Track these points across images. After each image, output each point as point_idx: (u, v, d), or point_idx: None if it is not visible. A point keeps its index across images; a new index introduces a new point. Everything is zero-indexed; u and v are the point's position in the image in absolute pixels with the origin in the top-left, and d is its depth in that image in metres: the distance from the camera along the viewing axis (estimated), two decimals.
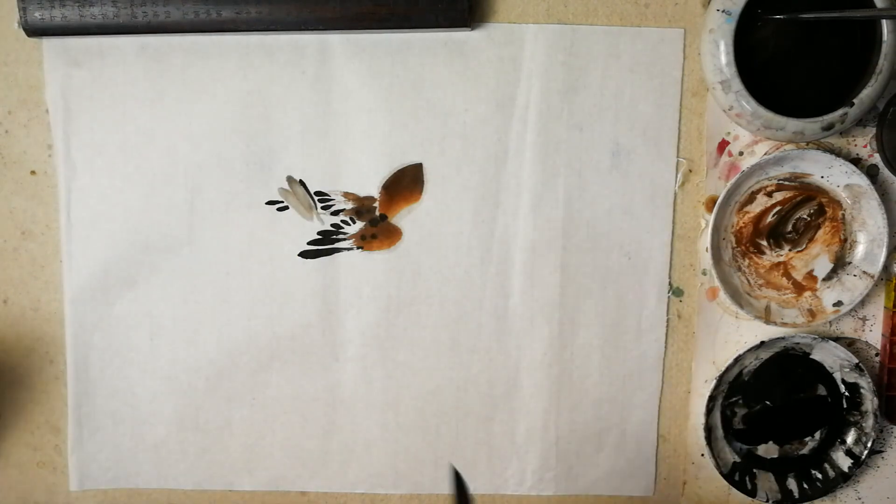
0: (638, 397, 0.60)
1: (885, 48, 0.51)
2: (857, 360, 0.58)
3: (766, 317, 0.58)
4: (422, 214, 0.57)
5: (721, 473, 0.59)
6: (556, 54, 0.56)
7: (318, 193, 0.57)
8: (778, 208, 0.58)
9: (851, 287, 0.58)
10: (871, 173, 0.57)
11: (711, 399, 0.58)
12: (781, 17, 0.52)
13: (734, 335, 0.59)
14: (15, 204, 0.57)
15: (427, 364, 0.59)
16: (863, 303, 0.59)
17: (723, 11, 0.51)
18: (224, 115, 0.56)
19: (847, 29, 0.53)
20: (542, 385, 0.59)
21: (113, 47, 0.55)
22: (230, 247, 0.57)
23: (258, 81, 0.55)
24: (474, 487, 0.60)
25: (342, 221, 0.57)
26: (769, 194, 0.58)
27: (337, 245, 0.58)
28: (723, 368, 0.58)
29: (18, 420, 0.59)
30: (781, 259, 0.59)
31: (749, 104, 0.52)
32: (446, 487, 0.60)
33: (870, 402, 0.59)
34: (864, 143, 0.57)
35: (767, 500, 0.59)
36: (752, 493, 0.59)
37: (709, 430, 0.59)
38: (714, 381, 0.58)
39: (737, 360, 0.58)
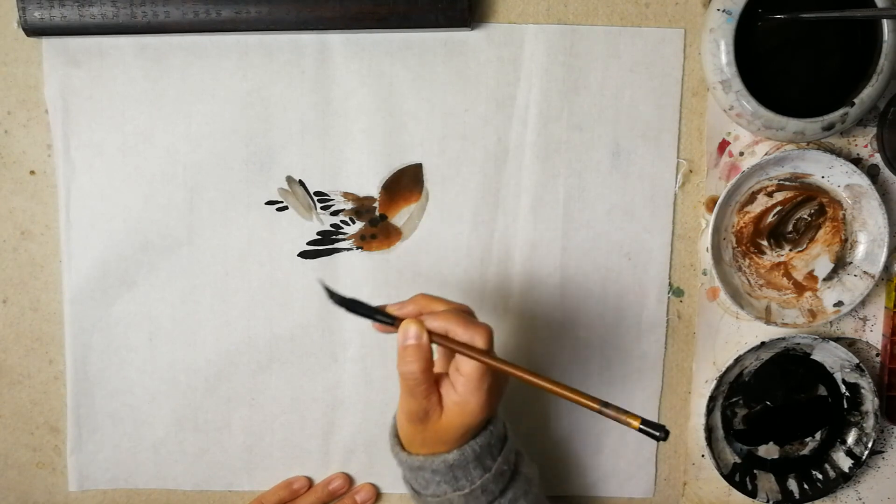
0: (638, 397, 0.60)
1: (885, 48, 0.51)
2: (857, 361, 0.58)
3: (767, 317, 0.58)
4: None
5: (721, 474, 0.59)
6: (556, 54, 0.55)
7: (317, 193, 0.57)
8: (778, 208, 0.58)
9: (852, 287, 0.58)
10: (872, 173, 0.57)
11: (712, 399, 0.58)
12: (782, 16, 0.52)
13: (734, 335, 0.59)
14: (14, 204, 0.56)
15: None
16: (863, 303, 0.59)
17: (723, 11, 0.51)
18: (223, 115, 0.55)
19: (847, 29, 0.53)
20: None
21: (112, 47, 0.55)
22: (229, 247, 0.57)
23: (257, 81, 0.55)
24: None
25: (342, 221, 0.57)
26: (770, 194, 0.57)
27: (336, 245, 0.57)
28: (723, 369, 0.58)
29: (18, 420, 0.59)
30: (782, 259, 0.59)
31: (749, 104, 0.52)
32: None
33: (870, 402, 0.59)
34: (864, 143, 0.57)
35: (768, 501, 0.59)
36: (752, 494, 0.59)
37: (709, 430, 0.58)
38: (714, 382, 0.58)
39: (737, 360, 0.57)
